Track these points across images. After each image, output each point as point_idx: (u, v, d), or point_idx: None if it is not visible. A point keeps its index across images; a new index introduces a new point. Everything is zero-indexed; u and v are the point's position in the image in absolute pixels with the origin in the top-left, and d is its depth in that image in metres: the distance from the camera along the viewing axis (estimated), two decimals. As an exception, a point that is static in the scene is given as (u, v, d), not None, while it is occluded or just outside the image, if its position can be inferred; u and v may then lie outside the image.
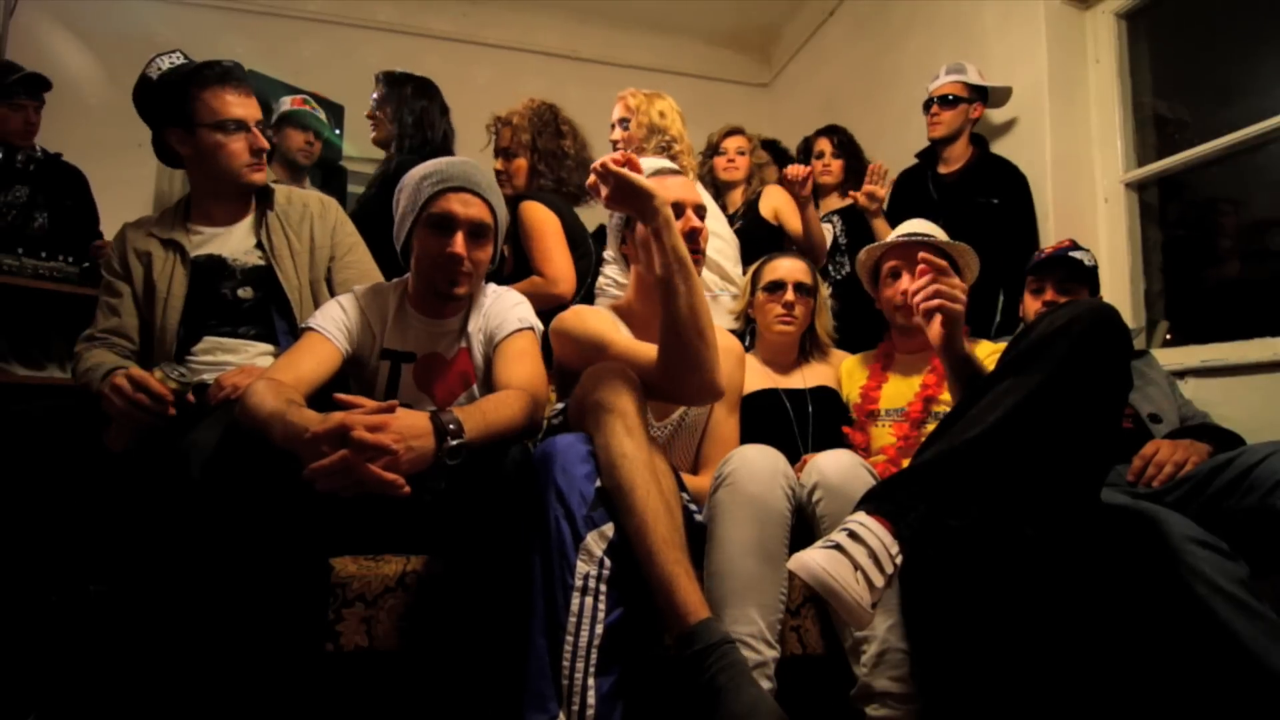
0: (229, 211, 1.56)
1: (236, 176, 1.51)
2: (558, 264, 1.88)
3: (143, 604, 1.16)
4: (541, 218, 1.91)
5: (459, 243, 1.27)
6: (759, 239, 2.27)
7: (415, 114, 2.21)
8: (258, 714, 0.98)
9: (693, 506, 1.27)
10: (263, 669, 0.99)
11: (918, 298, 1.20)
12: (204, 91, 1.47)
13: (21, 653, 1.20)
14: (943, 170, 2.36)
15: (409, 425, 0.99)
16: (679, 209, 1.37)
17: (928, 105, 2.34)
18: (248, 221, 1.57)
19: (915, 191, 2.40)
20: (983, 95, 2.32)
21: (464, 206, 1.28)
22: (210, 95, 1.47)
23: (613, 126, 2.20)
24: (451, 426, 1.02)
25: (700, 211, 1.42)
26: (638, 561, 1.02)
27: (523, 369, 1.26)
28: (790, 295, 1.69)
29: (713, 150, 2.53)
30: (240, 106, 1.49)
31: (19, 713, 1.14)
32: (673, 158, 2.08)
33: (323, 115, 2.71)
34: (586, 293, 1.98)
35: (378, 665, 1.15)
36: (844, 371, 1.76)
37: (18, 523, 1.23)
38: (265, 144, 1.51)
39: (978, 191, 2.22)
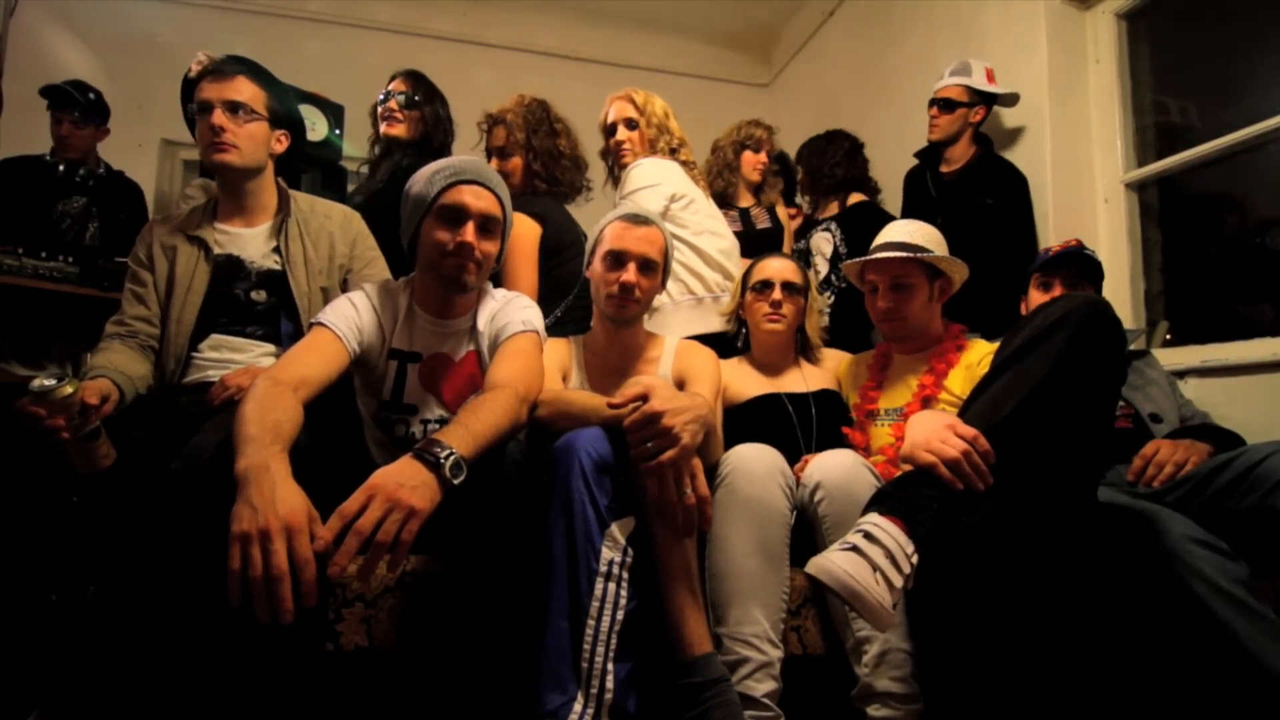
0: (249, 213, 1.58)
1: (206, 158, 1.53)
2: (520, 284, 1.85)
3: (143, 604, 1.16)
4: (520, 233, 1.87)
5: (469, 231, 1.29)
6: (779, 244, 2.32)
7: (441, 120, 2.29)
8: (258, 714, 0.98)
9: None
10: (263, 669, 0.99)
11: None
12: (196, 86, 1.52)
13: (22, 652, 1.20)
14: (944, 169, 2.35)
15: (411, 485, 0.91)
16: (621, 259, 1.45)
17: (931, 104, 2.33)
18: (268, 226, 1.58)
19: (917, 190, 2.41)
20: (987, 99, 2.28)
21: (475, 199, 1.30)
22: (198, 90, 1.51)
23: (614, 127, 2.14)
24: (448, 464, 0.95)
25: (646, 266, 1.47)
26: (655, 579, 1.05)
27: (511, 366, 1.25)
28: (777, 294, 1.69)
29: (751, 143, 2.51)
30: (209, 90, 1.49)
31: (20, 712, 1.14)
32: (682, 162, 2.08)
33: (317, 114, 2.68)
34: (579, 294, 1.96)
35: (377, 665, 1.15)
36: (843, 373, 1.76)
37: (18, 522, 1.23)
38: (222, 123, 1.47)
39: (975, 192, 2.22)
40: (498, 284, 1.87)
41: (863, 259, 1.61)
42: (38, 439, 1.11)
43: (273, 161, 1.60)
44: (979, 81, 2.26)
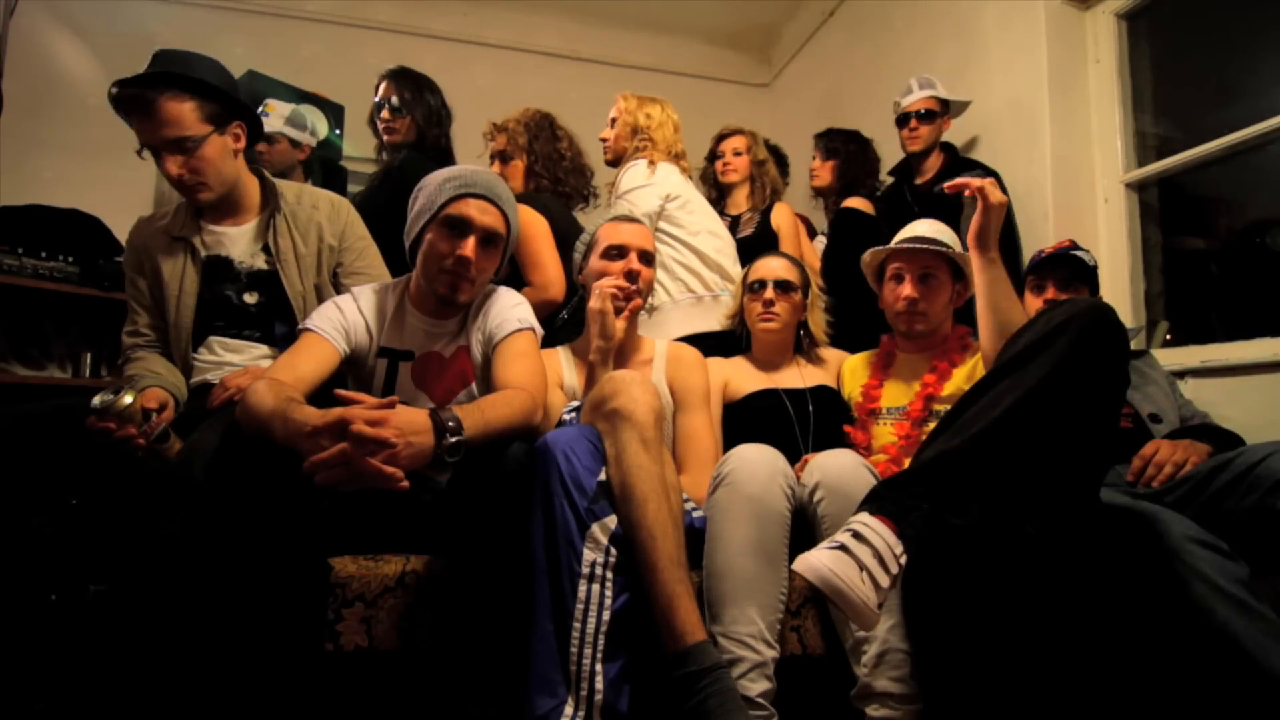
0: (235, 211, 1.53)
1: (184, 196, 1.46)
2: (547, 269, 1.87)
3: (143, 604, 1.16)
4: (528, 221, 1.88)
5: (470, 246, 1.28)
6: (770, 249, 2.29)
7: (434, 111, 2.18)
8: (258, 714, 0.98)
9: (689, 505, 1.28)
10: (263, 669, 0.99)
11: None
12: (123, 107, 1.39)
13: (22, 652, 1.20)
14: (919, 182, 2.40)
15: (408, 421, 0.99)
16: (623, 250, 1.53)
17: (904, 120, 2.38)
18: (256, 223, 1.54)
19: (896, 205, 2.43)
20: (948, 108, 2.40)
21: (481, 213, 1.30)
22: (133, 125, 1.38)
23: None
24: (450, 424, 1.02)
25: (645, 257, 1.55)
26: (640, 573, 1.04)
27: (522, 369, 1.26)
28: (770, 293, 1.69)
29: (711, 154, 2.54)
30: (141, 129, 1.36)
31: (20, 713, 1.14)
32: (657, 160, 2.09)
33: (310, 118, 2.62)
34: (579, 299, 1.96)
35: (377, 665, 1.15)
36: (846, 370, 1.76)
37: (20, 522, 1.23)
38: (180, 171, 1.37)
39: (953, 194, 2.26)
40: (519, 278, 1.88)
41: (892, 246, 1.62)
42: (118, 451, 1.17)
43: (242, 156, 1.50)
44: (943, 91, 2.36)
